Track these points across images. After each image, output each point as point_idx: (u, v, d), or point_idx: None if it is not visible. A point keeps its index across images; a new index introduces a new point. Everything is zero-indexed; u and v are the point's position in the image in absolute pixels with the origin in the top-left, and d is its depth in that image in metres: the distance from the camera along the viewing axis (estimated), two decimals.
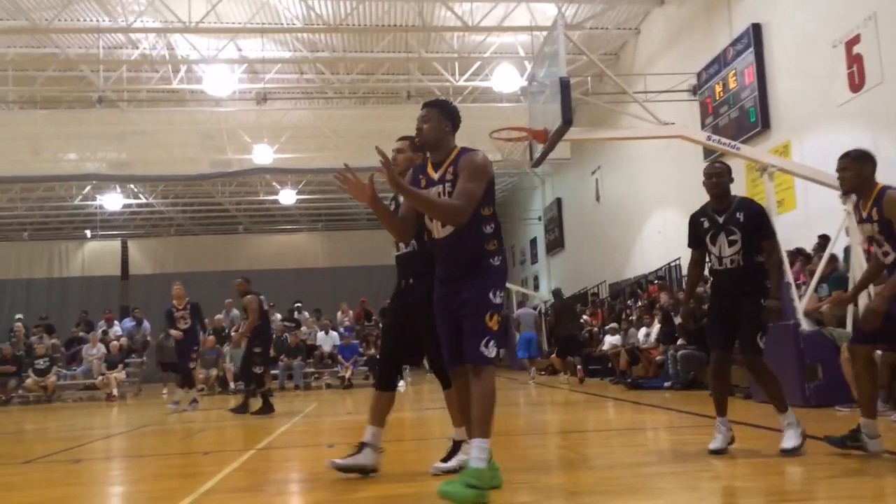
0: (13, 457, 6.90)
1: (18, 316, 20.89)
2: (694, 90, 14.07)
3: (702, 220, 5.20)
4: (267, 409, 9.93)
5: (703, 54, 13.77)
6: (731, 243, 4.98)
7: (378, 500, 3.99)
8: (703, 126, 13.43)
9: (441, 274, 4.07)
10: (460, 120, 4.18)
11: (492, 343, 3.85)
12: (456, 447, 4.57)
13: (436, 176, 4.01)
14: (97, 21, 15.14)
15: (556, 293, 15.51)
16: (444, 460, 4.55)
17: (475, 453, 3.71)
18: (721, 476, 4.40)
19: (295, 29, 15.76)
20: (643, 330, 13.31)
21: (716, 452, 4.88)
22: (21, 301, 25.70)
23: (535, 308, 24.58)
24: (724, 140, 9.91)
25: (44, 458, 6.59)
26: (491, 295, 3.89)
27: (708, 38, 13.64)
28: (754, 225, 4.97)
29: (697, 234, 5.20)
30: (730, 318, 5.00)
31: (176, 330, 11.73)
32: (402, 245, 4.53)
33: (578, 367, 13.87)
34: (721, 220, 5.06)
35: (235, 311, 18.90)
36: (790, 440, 4.73)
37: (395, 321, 4.69)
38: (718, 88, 13.21)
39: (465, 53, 16.92)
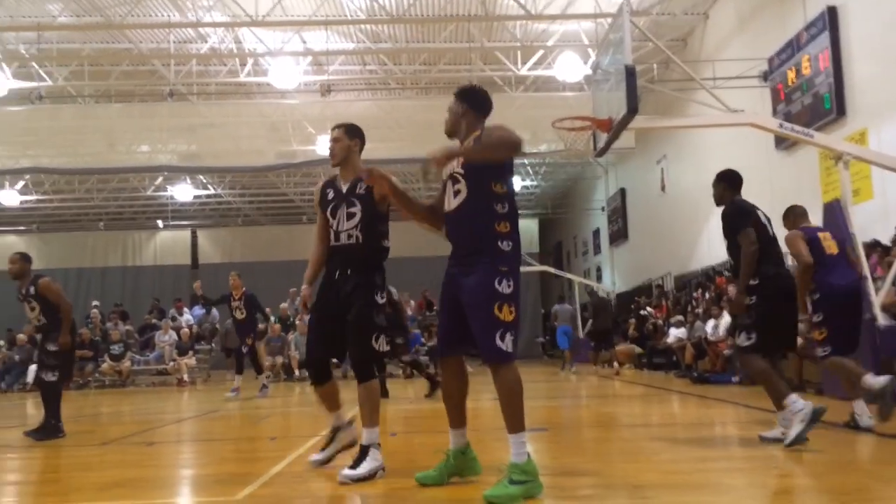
0: (90, 438, 7.18)
1: (95, 303, 21.73)
2: (765, 76, 13.63)
3: None
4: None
5: (774, 39, 13.33)
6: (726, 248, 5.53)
7: (452, 489, 4.01)
8: (775, 113, 13.02)
9: (451, 254, 4.04)
10: (488, 104, 4.23)
11: (507, 336, 3.70)
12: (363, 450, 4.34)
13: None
14: (168, 16, 15.55)
15: (592, 292, 17.81)
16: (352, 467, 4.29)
17: (514, 449, 3.67)
18: (789, 473, 4.29)
19: (358, 21, 15.88)
20: (711, 322, 13.03)
21: (764, 439, 5.17)
22: (97, 288, 26.73)
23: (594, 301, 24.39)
24: (796, 128, 9.60)
25: (119, 441, 6.85)
26: (497, 284, 3.73)
27: (780, 21, 13.20)
28: (727, 226, 5.41)
29: None
30: None
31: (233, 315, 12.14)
32: (343, 237, 4.53)
33: (615, 362, 15.61)
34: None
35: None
36: (771, 431, 5.19)
37: (325, 313, 4.55)
38: (791, 74, 12.78)
39: (527, 42, 16.77)
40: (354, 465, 4.27)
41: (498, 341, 3.69)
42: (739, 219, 5.37)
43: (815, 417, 4.79)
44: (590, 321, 17.36)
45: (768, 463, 4.48)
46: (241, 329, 12.08)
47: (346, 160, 4.65)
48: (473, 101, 4.19)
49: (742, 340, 5.21)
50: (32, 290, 7.17)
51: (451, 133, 4.21)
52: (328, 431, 4.91)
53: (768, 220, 5.55)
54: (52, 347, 7.13)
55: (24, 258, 7.42)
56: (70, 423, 7.71)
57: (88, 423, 8.95)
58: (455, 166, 3.94)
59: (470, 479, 4.10)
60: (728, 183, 5.61)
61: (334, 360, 4.90)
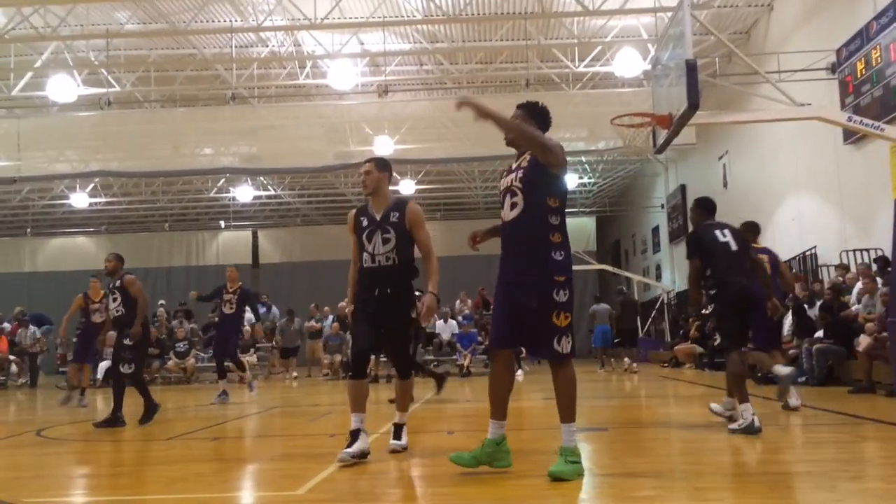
0: (158, 434, 7.39)
1: (161, 302, 22.35)
2: (832, 68, 13.20)
3: None
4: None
5: (843, 30, 12.90)
6: None
7: (512, 487, 4.01)
8: (843, 106, 12.60)
9: (505, 261, 4.31)
10: (549, 120, 4.59)
11: (564, 339, 4.11)
12: (397, 429, 5.32)
13: (514, 165, 4.47)
14: (230, 21, 15.90)
15: (620, 291, 18.50)
16: (396, 438, 5.24)
17: (567, 436, 4.13)
18: (860, 476, 4.15)
19: (415, 21, 15.96)
20: None
21: (713, 410, 6.72)
22: (162, 287, 27.50)
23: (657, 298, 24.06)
24: (866, 121, 9.29)
25: (184, 436, 7.03)
26: (555, 294, 4.10)
27: (849, 12, 12.76)
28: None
29: None
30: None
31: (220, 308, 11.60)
32: (380, 259, 5.05)
33: (629, 360, 16.57)
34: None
35: None
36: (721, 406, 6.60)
37: (371, 318, 5.04)
38: (860, 66, 12.34)
39: (585, 38, 16.60)
40: (398, 437, 5.25)
41: (556, 346, 4.10)
42: (690, 248, 6.33)
43: (750, 432, 5.65)
44: (617, 319, 17.89)
45: (839, 466, 4.35)
46: (226, 323, 11.58)
47: (377, 190, 5.17)
48: (538, 116, 4.55)
49: (716, 342, 6.32)
50: (119, 283, 8.21)
51: (512, 143, 4.56)
52: (353, 430, 4.95)
53: (734, 234, 6.33)
54: (128, 342, 7.96)
55: (119, 258, 8.53)
56: (138, 419, 7.95)
57: (155, 419, 9.21)
58: (514, 180, 4.29)
59: (502, 469, 4.29)
60: (703, 209, 6.51)
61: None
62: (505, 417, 4.35)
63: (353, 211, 5.29)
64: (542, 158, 4.25)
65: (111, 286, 8.36)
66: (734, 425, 5.89)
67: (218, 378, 11.48)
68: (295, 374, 18.15)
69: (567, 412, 4.17)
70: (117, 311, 8.18)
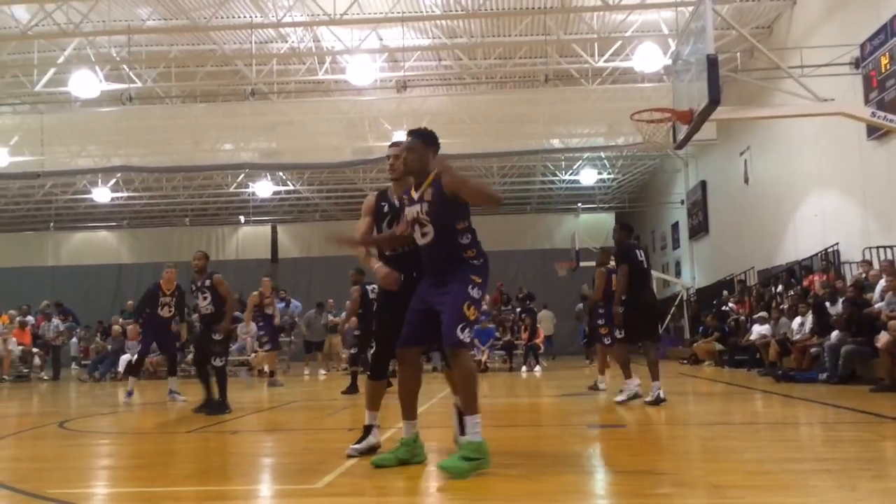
0: (177, 426, 7.47)
1: None
2: (856, 63, 13.02)
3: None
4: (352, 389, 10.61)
5: (867, 24, 12.72)
6: None
7: (528, 483, 4.00)
8: (867, 101, 12.43)
9: (427, 271, 4.51)
10: (438, 144, 4.68)
11: (467, 330, 4.26)
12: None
13: (416, 196, 4.50)
14: (250, 17, 15.97)
15: (584, 297, 18.60)
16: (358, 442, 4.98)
17: (469, 429, 4.17)
18: (882, 475, 4.10)
19: (434, 16, 15.94)
20: (797, 320, 12.58)
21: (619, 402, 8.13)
22: (184, 282, 27.48)
23: (676, 294, 23.97)
24: (889, 116, 9.18)
25: (204, 429, 7.09)
26: (470, 289, 4.31)
27: (873, 5, 12.59)
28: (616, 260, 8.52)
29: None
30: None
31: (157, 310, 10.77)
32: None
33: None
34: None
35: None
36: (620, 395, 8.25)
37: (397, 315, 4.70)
38: (885, 60, 12.17)
39: (605, 33, 16.51)
40: (464, 431, 4.90)
41: (459, 332, 4.23)
42: (621, 258, 8.21)
43: (632, 398, 8.12)
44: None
45: (860, 465, 4.30)
46: (164, 327, 10.73)
47: (402, 176, 5.00)
48: (432, 142, 4.66)
49: (617, 334, 8.61)
50: (208, 282, 8.53)
51: (412, 173, 4.63)
52: (369, 425, 5.01)
53: (644, 255, 8.35)
54: (217, 336, 8.40)
55: (206, 256, 8.88)
56: (158, 411, 8.04)
57: (176, 411, 9.30)
58: (420, 212, 4.42)
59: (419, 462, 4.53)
60: (626, 231, 8.62)
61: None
62: (416, 416, 4.59)
63: (374, 194, 5.17)
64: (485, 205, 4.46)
65: (199, 284, 8.57)
66: (621, 396, 8.16)
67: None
68: (323, 371, 17.68)
69: (469, 404, 4.24)
70: (206, 309, 8.50)
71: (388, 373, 5.10)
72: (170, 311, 10.72)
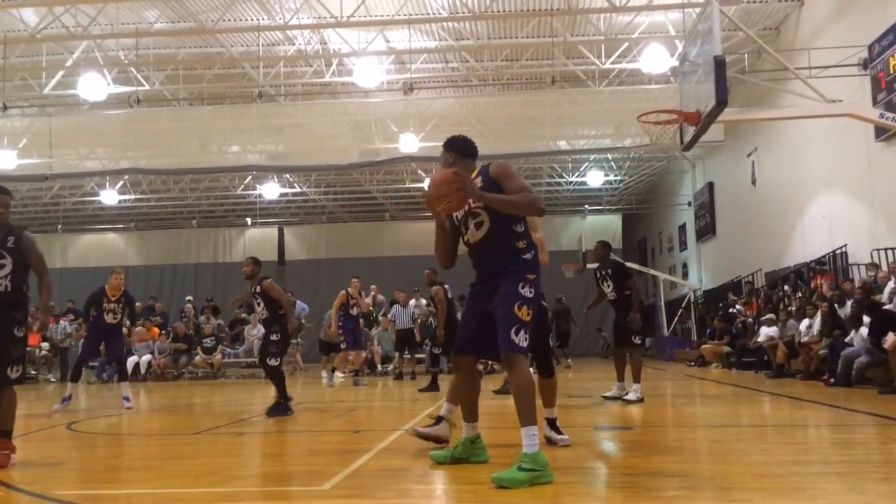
0: (184, 428, 7.48)
1: (188, 298, 22.59)
2: (864, 64, 12.97)
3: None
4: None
5: (875, 25, 12.67)
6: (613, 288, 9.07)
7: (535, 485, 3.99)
8: (875, 103, 12.38)
9: (480, 272, 4.38)
10: (472, 148, 4.67)
11: (522, 332, 4.04)
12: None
13: None
14: (257, 20, 16.02)
15: (559, 300, 19.75)
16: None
17: (526, 441, 3.95)
18: (890, 478, 4.08)
19: (441, 18, 15.95)
20: (805, 322, 12.53)
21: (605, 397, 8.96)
22: (189, 283, 27.82)
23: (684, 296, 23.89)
24: None
25: (211, 431, 7.10)
26: (520, 288, 4.12)
27: (881, 6, 12.54)
28: (620, 274, 9.12)
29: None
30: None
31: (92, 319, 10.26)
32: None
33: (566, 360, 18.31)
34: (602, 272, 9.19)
35: (381, 297, 19.51)
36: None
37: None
38: (893, 61, 12.12)
39: (611, 35, 16.49)
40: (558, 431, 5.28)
41: (513, 336, 4.03)
42: (628, 271, 9.29)
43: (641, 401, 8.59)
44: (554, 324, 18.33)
45: (869, 468, 4.28)
46: (111, 332, 10.25)
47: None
48: (469, 151, 4.65)
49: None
50: (259, 288, 8.37)
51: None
52: (445, 414, 5.13)
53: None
54: (273, 338, 8.34)
55: (256, 262, 8.63)
56: (165, 413, 8.05)
57: (182, 413, 9.32)
58: (472, 203, 4.25)
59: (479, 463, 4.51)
60: (608, 248, 9.36)
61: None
62: (476, 419, 4.53)
63: None
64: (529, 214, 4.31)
65: (253, 290, 8.48)
66: (631, 396, 8.59)
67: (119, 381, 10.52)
68: (339, 374, 16.35)
69: (525, 415, 4.02)
70: (262, 315, 8.51)
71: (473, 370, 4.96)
72: (115, 318, 10.12)
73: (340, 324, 14.08)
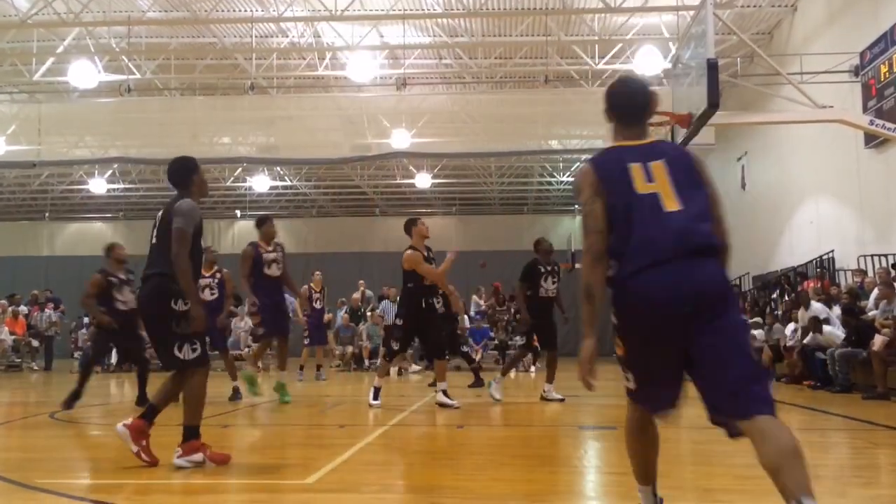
0: (168, 420, 7.43)
1: None
2: (856, 71, 13.04)
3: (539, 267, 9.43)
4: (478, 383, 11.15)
5: (867, 32, 12.75)
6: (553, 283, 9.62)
7: (519, 483, 4.00)
8: (866, 109, 12.46)
9: None
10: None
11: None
12: None
13: None
14: (251, 11, 15.93)
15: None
16: None
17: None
18: (872, 483, 4.11)
19: (435, 14, 15.92)
20: (791, 326, 12.60)
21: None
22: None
23: None
24: (888, 125, 9.20)
25: None
26: None
27: (873, 13, 12.61)
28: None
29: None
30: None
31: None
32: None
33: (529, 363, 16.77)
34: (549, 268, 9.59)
35: (369, 292, 19.49)
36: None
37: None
38: (884, 69, 12.19)
39: (605, 35, 16.50)
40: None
41: None
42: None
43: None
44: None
45: (851, 472, 4.30)
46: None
47: None
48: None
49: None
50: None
51: None
52: None
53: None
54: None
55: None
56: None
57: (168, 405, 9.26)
58: None
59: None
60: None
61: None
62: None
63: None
64: None
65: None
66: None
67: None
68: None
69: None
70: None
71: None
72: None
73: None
